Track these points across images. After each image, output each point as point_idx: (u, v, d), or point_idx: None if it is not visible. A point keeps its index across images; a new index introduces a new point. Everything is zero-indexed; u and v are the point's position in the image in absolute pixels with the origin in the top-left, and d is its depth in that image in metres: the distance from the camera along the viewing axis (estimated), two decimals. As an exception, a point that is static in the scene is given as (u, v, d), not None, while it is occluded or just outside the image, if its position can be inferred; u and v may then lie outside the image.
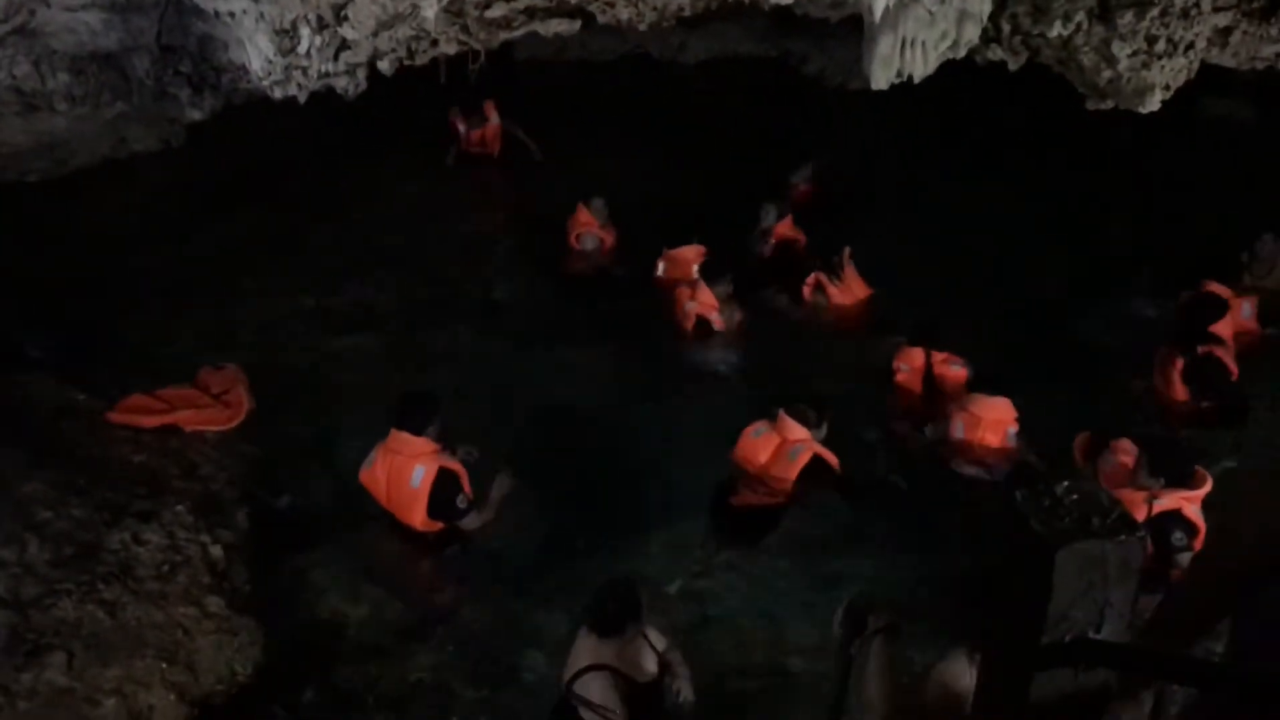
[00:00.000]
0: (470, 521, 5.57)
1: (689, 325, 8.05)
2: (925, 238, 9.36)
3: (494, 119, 11.08)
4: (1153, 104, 5.28)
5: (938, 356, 7.00)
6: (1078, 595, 2.11)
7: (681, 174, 10.39)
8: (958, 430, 6.47)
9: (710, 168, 10.43)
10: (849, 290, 8.38)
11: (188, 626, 4.67)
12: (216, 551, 5.19)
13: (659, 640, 4.58)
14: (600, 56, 13.43)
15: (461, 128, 11.03)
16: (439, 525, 5.56)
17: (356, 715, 4.78)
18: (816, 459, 5.97)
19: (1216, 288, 7.30)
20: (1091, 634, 2.14)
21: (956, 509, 6.00)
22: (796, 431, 6.02)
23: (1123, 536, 2.10)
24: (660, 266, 8.70)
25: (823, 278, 8.39)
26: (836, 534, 5.91)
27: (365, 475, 5.64)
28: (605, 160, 10.60)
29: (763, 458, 6.06)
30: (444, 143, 11.05)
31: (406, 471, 5.47)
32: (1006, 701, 2.24)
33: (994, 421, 6.40)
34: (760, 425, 6.14)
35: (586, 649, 4.38)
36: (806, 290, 8.45)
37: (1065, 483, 2.19)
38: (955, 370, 6.95)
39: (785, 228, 9.07)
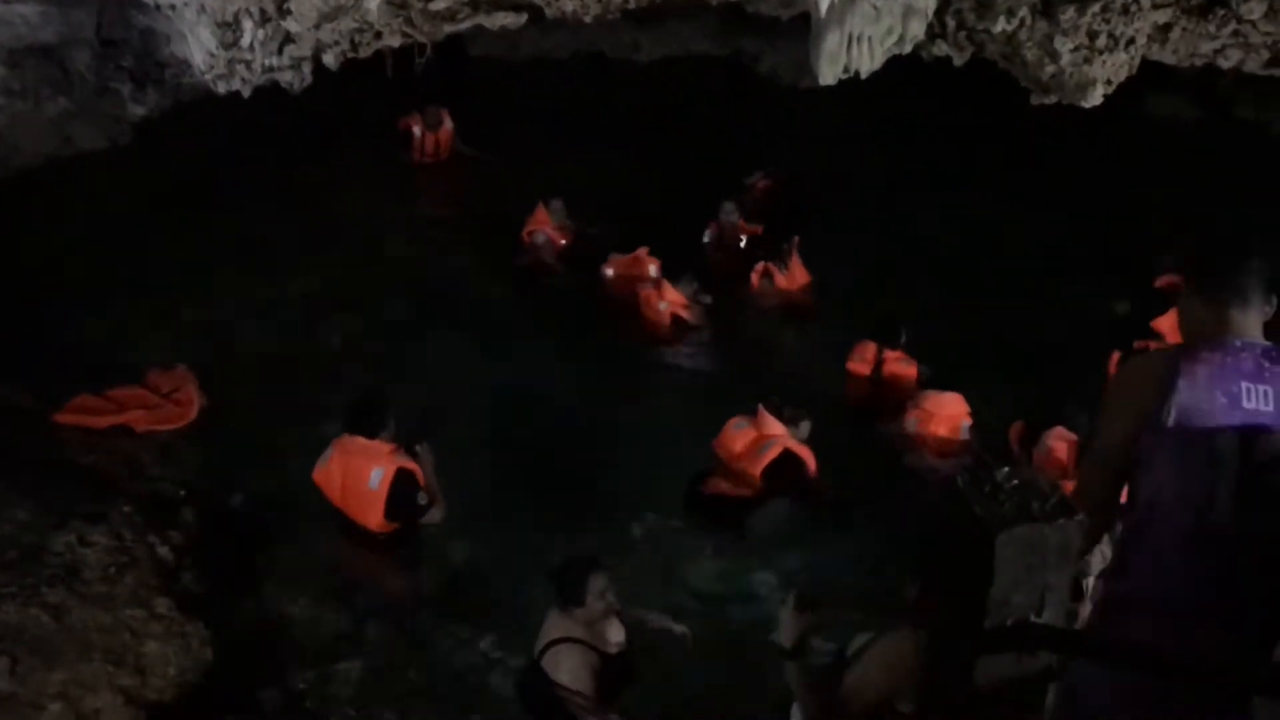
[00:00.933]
0: (433, 516, 5.54)
1: (664, 324, 8.13)
2: (881, 233, 9.50)
3: (448, 124, 11.05)
4: (1095, 98, 5.36)
5: (890, 354, 7.07)
6: (1018, 580, 2.15)
7: (636, 173, 10.42)
8: (911, 425, 6.56)
9: (664, 167, 10.47)
10: (794, 278, 8.61)
11: (135, 628, 4.59)
12: (165, 552, 5.13)
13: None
14: (553, 54, 13.42)
15: (417, 130, 10.96)
16: (393, 526, 5.52)
17: (309, 716, 4.74)
18: (788, 455, 6.00)
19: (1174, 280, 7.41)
20: (1033, 618, 2.18)
21: (911, 503, 6.07)
22: (772, 427, 6.08)
23: (1061, 521, 2.14)
24: (610, 269, 8.73)
25: (771, 266, 8.58)
26: (795, 526, 5.99)
27: (319, 474, 5.57)
28: (560, 160, 10.58)
29: (737, 449, 6.11)
30: (395, 139, 10.97)
31: (364, 473, 5.42)
32: (951, 686, 2.28)
33: (947, 416, 6.50)
34: (742, 419, 6.20)
35: (554, 624, 4.45)
36: (754, 278, 8.65)
37: (1005, 469, 2.22)
38: (905, 368, 7.04)
39: (748, 228, 9.29)
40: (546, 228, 9.20)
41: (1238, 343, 2.51)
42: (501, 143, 10.91)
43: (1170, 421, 2.47)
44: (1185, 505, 2.47)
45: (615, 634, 4.53)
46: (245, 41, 4.88)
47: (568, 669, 4.34)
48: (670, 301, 8.12)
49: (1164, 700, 2.44)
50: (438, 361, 7.57)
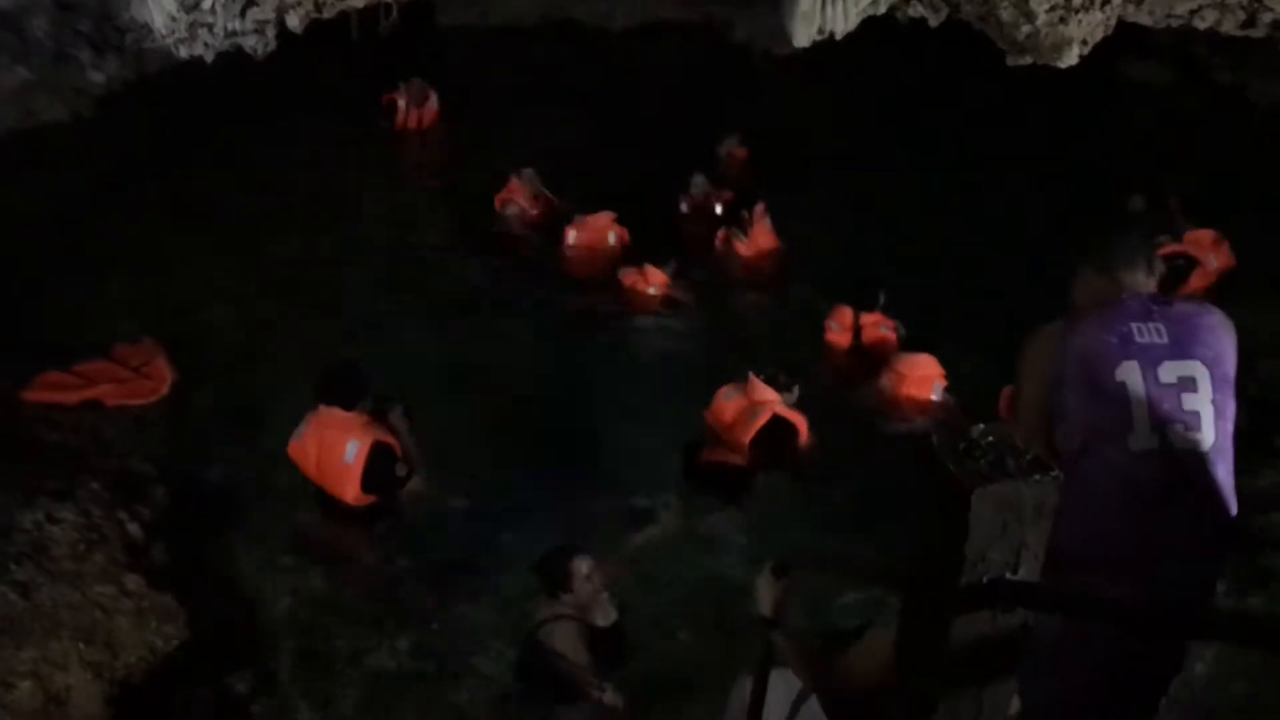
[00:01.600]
0: (414, 485, 5.48)
1: (654, 305, 8.09)
2: (856, 196, 9.47)
3: (433, 101, 10.95)
4: (1070, 59, 5.31)
5: (867, 318, 7.04)
6: (994, 537, 2.12)
7: (610, 142, 10.33)
8: (885, 387, 6.57)
9: (638, 135, 10.38)
10: (755, 244, 8.58)
11: (105, 605, 4.52)
12: (135, 529, 5.05)
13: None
14: (524, 22, 13.28)
15: (401, 104, 10.85)
16: (371, 499, 5.46)
17: (282, 691, 4.69)
18: (778, 420, 5.99)
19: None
20: (1009, 575, 2.16)
21: (889, 465, 6.05)
22: (763, 393, 6.05)
23: (1037, 477, 2.12)
24: (571, 235, 8.65)
25: (730, 232, 8.59)
26: (788, 492, 6.00)
27: (294, 447, 5.49)
28: (534, 128, 10.49)
29: (728, 418, 6.10)
30: (378, 113, 10.84)
31: (339, 446, 5.33)
32: (927, 645, 2.25)
33: (920, 377, 6.49)
34: (731, 388, 6.16)
35: (545, 607, 4.51)
36: (718, 243, 8.67)
37: (980, 426, 2.19)
38: (883, 333, 7.01)
39: (718, 195, 9.23)
40: (519, 198, 9.12)
41: (1124, 295, 2.75)
42: (475, 112, 10.79)
43: (1071, 373, 2.68)
44: (1109, 441, 2.63)
45: (606, 610, 4.59)
46: (207, 3, 4.75)
47: (561, 643, 4.39)
48: (657, 285, 8.12)
49: (1120, 646, 2.63)
50: (413, 333, 7.49)
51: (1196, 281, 7.43)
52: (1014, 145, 10.47)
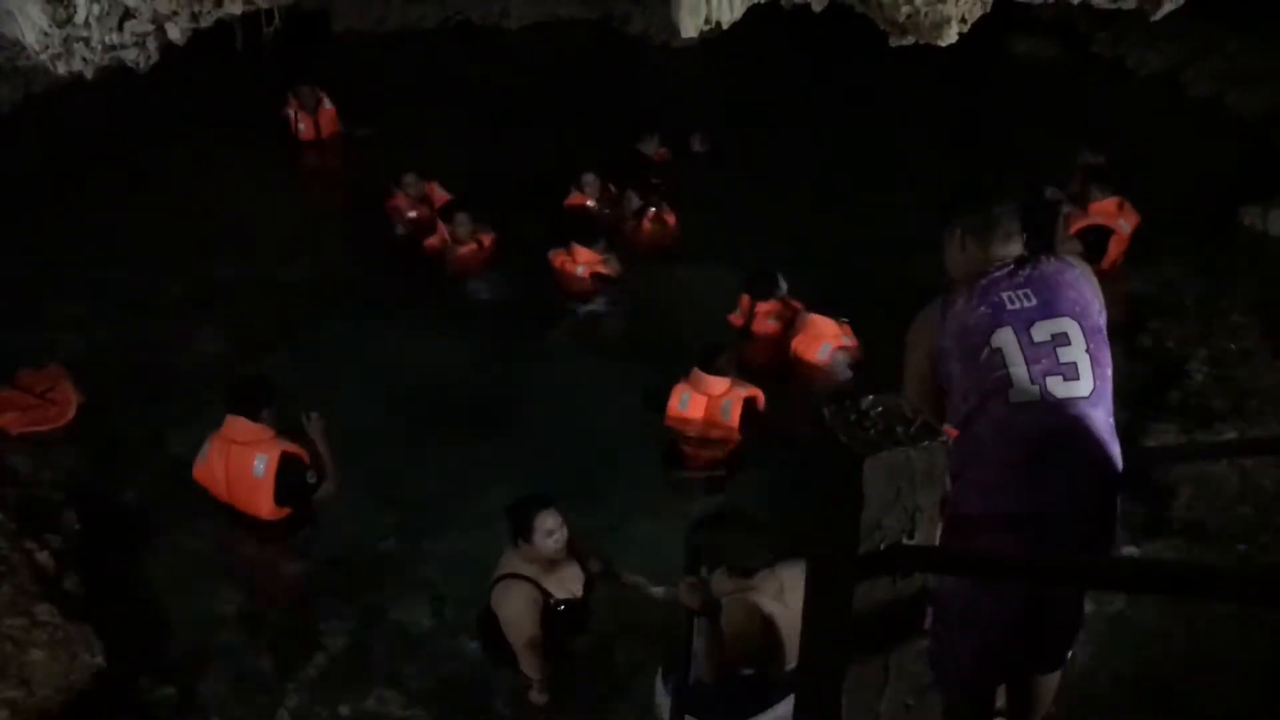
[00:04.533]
0: (326, 491, 5.43)
1: (585, 285, 8.13)
2: (760, 184, 9.55)
3: (327, 104, 10.77)
4: (950, 37, 5.45)
5: (762, 307, 7.22)
6: (888, 504, 2.19)
7: (507, 140, 10.29)
8: (792, 349, 6.85)
9: (537, 135, 10.36)
10: (657, 230, 8.83)
11: (17, 638, 4.42)
12: (44, 558, 4.94)
13: (591, 560, 4.69)
14: (420, 25, 13.18)
15: (291, 113, 10.65)
16: (286, 511, 5.40)
17: (209, 714, 4.64)
18: (749, 403, 6.15)
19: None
20: (905, 540, 2.23)
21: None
22: (718, 386, 6.16)
23: (926, 443, 2.19)
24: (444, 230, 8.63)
25: (658, 211, 8.82)
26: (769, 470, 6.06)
27: (200, 471, 5.40)
28: (433, 131, 10.41)
29: (698, 419, 6.21)
30: (275, 125, 10.66)
31: (248, 461, 5.27)
32: (832, 613, 2.32)
33: (812, 337, 6.78)
34: (683, 390, 6.23)
35: (505, 560, 4.49)
36: (645, 225, 8.83)
37: (870, 396, 2.26)
38: (770, 324, 7.20)
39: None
40: (402, 203, 9.09)
41: (994, 266, 2.88)
42: (373, 117, 10.66)
43: (950, 345, 2.85)
44: (992, 400, 2.78)
45: (571, 581, 4.54)
46: (80, 17, 4.62)
47: (508, 605, 4.38)
48: (585, 263, 8.16)
49: (1025, 597, 2.84)
50: (326, 343, 7.40)
51: (1114, 249, 7.66)
52: (909, 125, 10.69)
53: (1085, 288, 2.89)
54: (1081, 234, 7.58)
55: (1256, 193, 8.66)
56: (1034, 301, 2.81)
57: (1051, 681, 3.24)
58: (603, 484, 5.93)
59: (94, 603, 4.94)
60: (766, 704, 3.64)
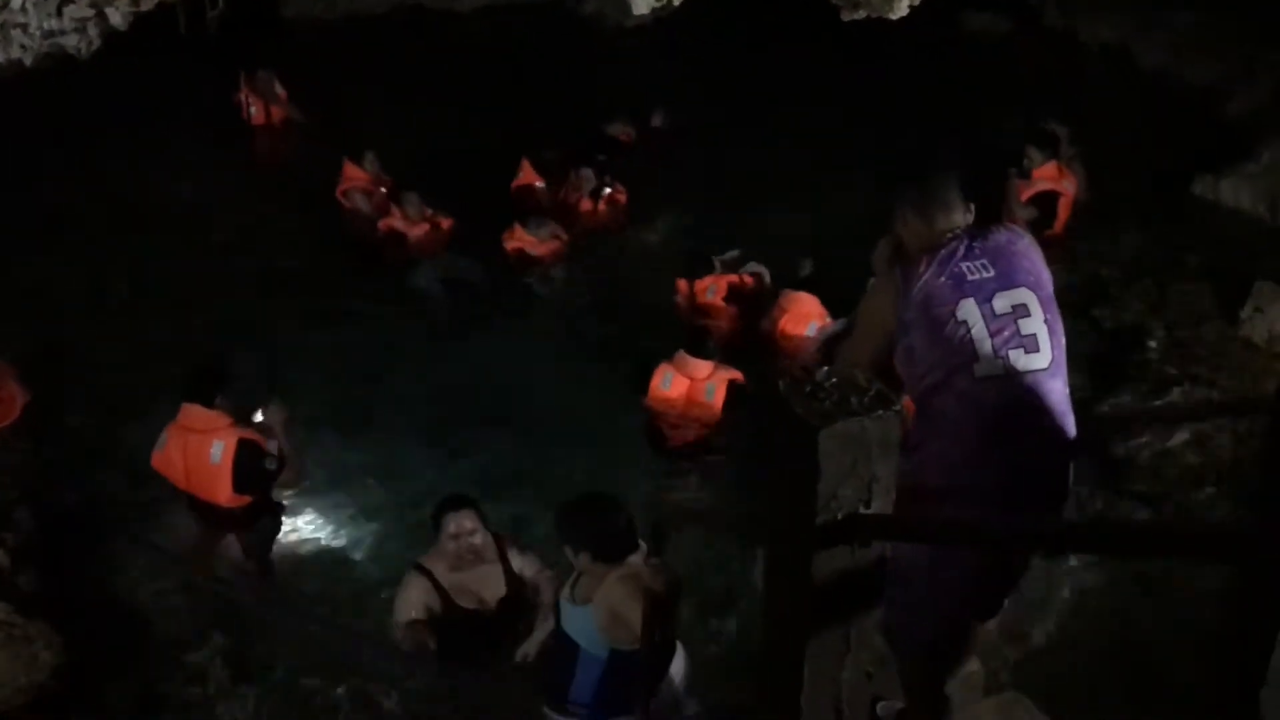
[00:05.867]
0: (286, 478, 5.38)
1: (535, 263, 8.20)
2: (724, 161, 9.56)
3: (279, 89, 10.66)
4: (901, 10, 5.48)
5: (699, 284, 7.38)
6: (844, 474, 2.20)
7: (459, 123, 10.23)
8: (767, 324, 6.89)
9: (491, 117, 10.30)
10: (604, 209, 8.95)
11: (-28, 638, 4.35)
12: (-1, 556, 4.86)
13: (528, 565, 4.51)
14: (372, 10, 13.06)
15: (242, 98, 10.52)
16: (246, 499, 5.34)
17: (171, 709, 4.57)
18: (733, 384, 6.20)
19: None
20: (862, 509, 2.24)
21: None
22: (703, 369, 6.20)
23: (880, 413, 2.20)
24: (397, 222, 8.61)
25: (612, 191, 8.93)
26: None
27: (158, 459, 5.32)
28: (387, 115, 10.33)
29: (680, 399, 6.24)
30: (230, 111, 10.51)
31: (205, 449, 5.19)
32: (792, 584, 2.33)
33: (798, 314, 6.79)
34: (666, 370, 6.25)
35: (430, 553, 4.40)
36: (602, 205, 8.95)
37: (824, 369, 2.27)
38: (709, 298, 7.33)
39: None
40: (361, 183, 9.00)
41: (948, 238, 2.90)
42: (326, 102, 10.55)
43: (913, 318, 2.84)
44: (956, 373, 2.79)
45: (481, 588, 4.39)
46: (16, 3, 4.51)
47: (399, 592, 4.34)
48: (526, 244, 8.20)
49: (979, 566, 2.89)
50: (284, 330, 7.34)
51: (1063, 212, 7.80)
52: (863, 100, 10.72)
53: (1035, 256, 2.92)
54: (1033, 200, 7.70)
55: (1208, 163, 8.77)
56: (992, 272, 2.83)
57: (990, 625, 3.33)
58: (581, 463, 5.91)
59: (52, 599, 4.85)
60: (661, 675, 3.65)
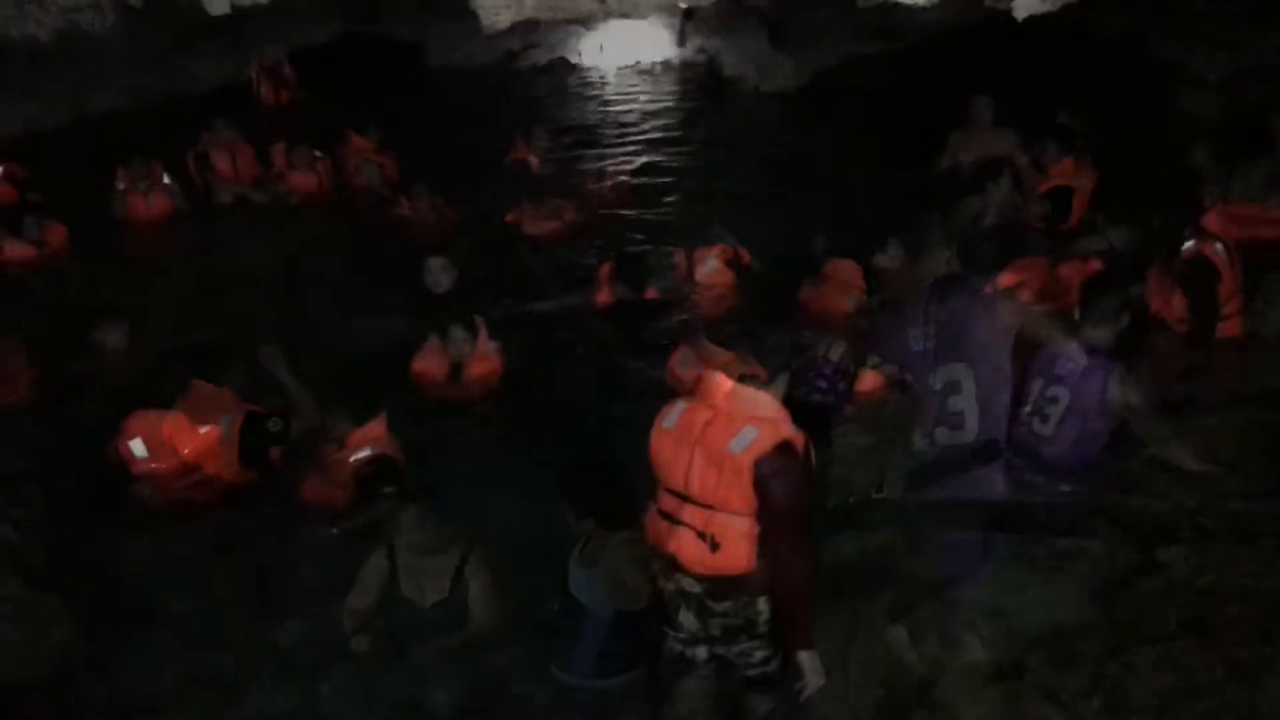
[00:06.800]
0: (302, 423, 5.47)
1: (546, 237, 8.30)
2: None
3: (289, 72, 10.70)
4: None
5: (698, 254, 7.39)
6: (858, 458, 2.21)
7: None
8: (806, 292, 6.70)
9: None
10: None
11: (-20, 611, 4.38)
12: (8, 530, 4.90)
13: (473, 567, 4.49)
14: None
15: (253, 76, 10.57)
16: (254, 474, 5.42)
17: (180, 683, 4.58)
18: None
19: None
20: (874, 495, 2.25)
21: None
22: (720, 357, 6.06)
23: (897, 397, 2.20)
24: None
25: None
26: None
27: (167, 434, 5.38)
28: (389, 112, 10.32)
29: (693, 383, 6.13)
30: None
31: (213, 423, 5.32)
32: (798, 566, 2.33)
33: (843, 282, 6.56)
34: (686, 351, 6.14)
35: None
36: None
37: (838, 349, 2.26)
38: (709, 271, 7.31)
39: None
40: (368, 152, 9.03)
41: (914, 296, 3.11)
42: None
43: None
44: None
45: (426, 580, 4.45)
46: (32, -21, 4.48)
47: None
48: (529, 220, 8.32)
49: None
50: (297, 314, 7.39)
51: (1079, 207, 7.72)
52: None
53: (996, 322, 2.96)
54: (1048, 194, 7.67)
55: (1221, 156, 8.69)
56: (934, 344, 2.93)
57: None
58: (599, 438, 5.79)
59: (61, 574, 4.89)
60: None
